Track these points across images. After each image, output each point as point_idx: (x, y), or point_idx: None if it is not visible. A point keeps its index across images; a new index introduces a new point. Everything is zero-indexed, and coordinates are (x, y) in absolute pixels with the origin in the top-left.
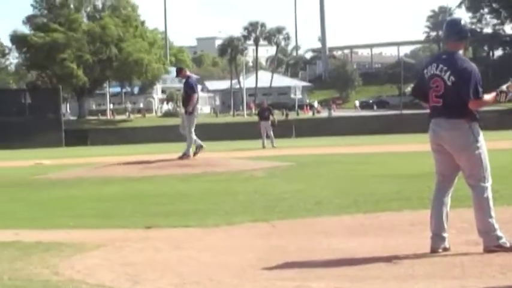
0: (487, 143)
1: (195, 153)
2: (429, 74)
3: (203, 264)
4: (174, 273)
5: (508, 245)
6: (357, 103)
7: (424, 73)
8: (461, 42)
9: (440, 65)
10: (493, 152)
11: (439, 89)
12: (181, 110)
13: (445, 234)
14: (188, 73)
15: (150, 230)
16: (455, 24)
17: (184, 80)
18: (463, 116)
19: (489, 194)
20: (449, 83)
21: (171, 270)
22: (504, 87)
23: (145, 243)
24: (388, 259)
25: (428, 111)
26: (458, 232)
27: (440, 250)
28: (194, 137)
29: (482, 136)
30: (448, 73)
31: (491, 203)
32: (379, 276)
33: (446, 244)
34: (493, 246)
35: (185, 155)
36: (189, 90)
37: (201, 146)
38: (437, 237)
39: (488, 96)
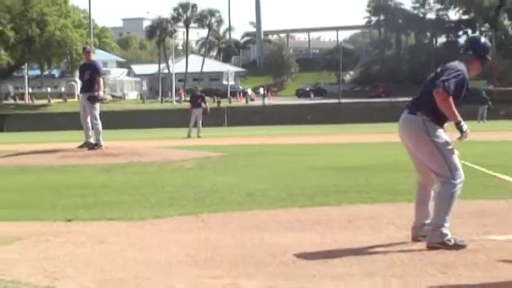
0: None
1: (84, 146)
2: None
3: (128, 260)
4: (97, 269)
5: (451, 243)
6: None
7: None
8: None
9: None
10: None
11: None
12: (82, 97)
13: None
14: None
15: (70, 224)
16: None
17: (87, 63)
18: (421, 110)
19: (455, 190)
20: (429, 77)
21: (93, 266)
22: (465, 128)
23: (66, 237)
24: (325, 256)
25: None
26: (398, 228)
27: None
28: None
29: (442, 133)
30: (436, 69)
31: (454, 200)
32: (314, 275)
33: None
34: (436, 243)
35: (97, 146)
36: (98, 73)
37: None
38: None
39: (454, 109)
